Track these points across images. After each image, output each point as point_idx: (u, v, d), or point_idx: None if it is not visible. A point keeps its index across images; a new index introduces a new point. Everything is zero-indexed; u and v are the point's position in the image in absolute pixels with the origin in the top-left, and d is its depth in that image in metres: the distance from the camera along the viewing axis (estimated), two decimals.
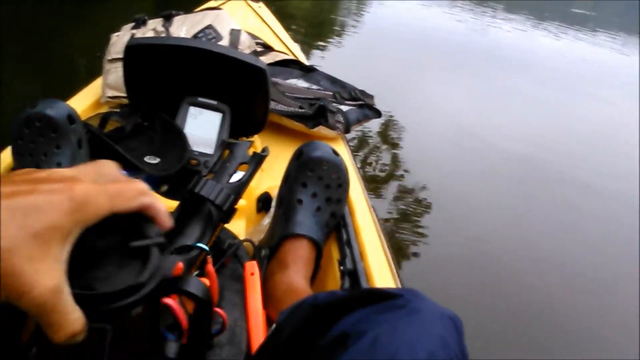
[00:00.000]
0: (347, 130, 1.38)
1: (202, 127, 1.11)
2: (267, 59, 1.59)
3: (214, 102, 1.12)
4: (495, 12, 12.03)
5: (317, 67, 1.62)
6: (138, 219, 0.47)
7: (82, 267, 0.44)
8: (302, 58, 1.89)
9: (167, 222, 0.46)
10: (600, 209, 2.99)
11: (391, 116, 3.39)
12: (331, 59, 4.49)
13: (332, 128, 1.34)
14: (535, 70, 6.46)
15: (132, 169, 1.04)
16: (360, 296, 0.57)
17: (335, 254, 0.96)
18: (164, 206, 0.44)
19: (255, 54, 1.50)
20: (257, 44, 1.64)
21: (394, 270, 0.93)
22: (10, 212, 0.33)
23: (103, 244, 0.46)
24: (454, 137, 3.48)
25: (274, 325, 0.64)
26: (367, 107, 1.48)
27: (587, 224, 2.81)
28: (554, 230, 2.63)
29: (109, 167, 0.45)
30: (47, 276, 0.33)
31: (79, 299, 0.40)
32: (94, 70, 1.78)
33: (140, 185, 0.43)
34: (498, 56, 6.96)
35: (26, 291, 0.33)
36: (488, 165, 3.20)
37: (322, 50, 4.78)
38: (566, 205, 2.93)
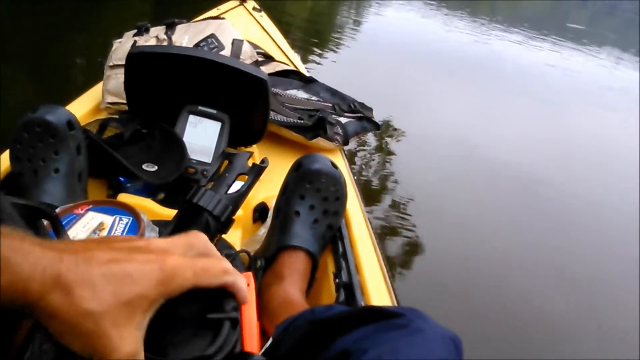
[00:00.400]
0: (345, 142, 1.38)
1: (201, 136, 1.11)
2: (267, 69, 1.60)
3: (214, 111, 1.12)
4: (495, 26, 12.13)
5: (316, 78, 1.63)
6: (219, 292, 0.51)
7: (160, 331, 0.48)
8: (302, 69, 1.90)
9: (245, 299, 0.48)
10: (599, 224, 3.01)
11: (389, 125, 3.40)
12: (329, 69, 4.50)
13: (331, 140, 1.34)
14: (533, 83, 6.51)
15: (130, 175, 1.04)
16: (362, 314, 0.58)
17: (330, 267, 0.97)
18: (244, 284, 0.46)
19: (257, 64, 1.50)
20: (258, 53, 1.65)
21: (389, 284, 0.93)
22: (107, 279, 0.35)
23: (183, 312, 0.50)
24: (451, 149, 3.50)
25: (270, 340, 0.64)
26: (366, 119, 1.49)
27: (586, 238, 2.83)
28: (552, 243, 2.65)
29: (199, 239, 0.46)
30: (129, 342, 0.36)
31: None
32: (91, 75, 1.79)
33: (225, 263, 0.45)
34: (496, 68, 7.02)
35: (108, 353, 0.35)
36: (485, 177, 3.22)
37: (318, 59, 4.79)
38: (564, 219, 2.95)
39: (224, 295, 0.53)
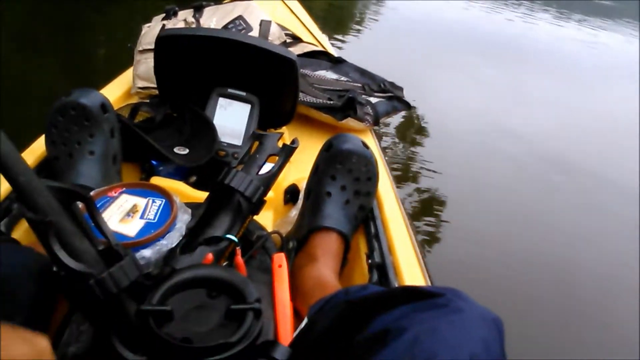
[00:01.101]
0: (376, 122, 1.37)
1: (231, 118, 1.11)
2: (296, 50, 1.58)
3: (243, 94, 1.12)
4: (523, 6, 11.85)
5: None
6: (243, 284, 0.58)
7: (189, 321, 0.55)
8: (330, 49, 1.88)
9: None
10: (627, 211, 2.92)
11: (417, 107, 3.36)
12: (352, 52, 4.46)
13: (361, 120, 1.33)
14: (560, 65, 6.35)
15: (162, 159, 1.05)
16: (399, 293, 0.57)
17: (363, 248, 0.96)
18: None
19: (285, 45, 1.50)
20: (286, 34, 1.64)
21: (423, 265, 0.91)
22: None
23: (211, 304, 0.57)
24: (480, 132, 3.45)
25: (305, 320, 0.64)
26: (396, 99, 1.47)
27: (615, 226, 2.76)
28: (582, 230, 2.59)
29: None
30: None
31: (178, 350, 0.51)
32: (116, 61, 1.80)
33: None
34: (525, 48, 6.87)
35: None
36: (507, 164, 3.16)
37: (340, 44, 4.75)
38: (591, 205, 2.88)
39: (246, 286, 0.58)
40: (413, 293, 0.54)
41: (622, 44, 9.64)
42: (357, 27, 5.86)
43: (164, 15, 1.45)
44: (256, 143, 0.85)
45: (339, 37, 4.90)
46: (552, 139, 3.69)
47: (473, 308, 0.51)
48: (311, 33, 1.98)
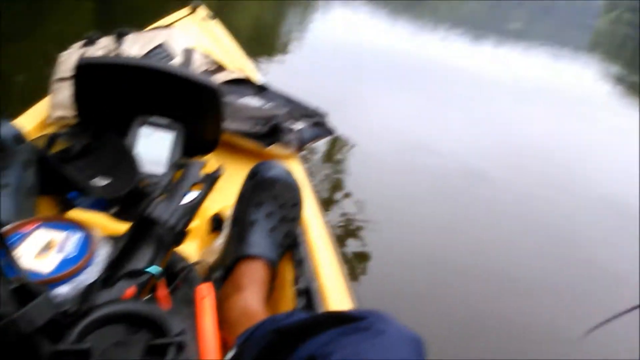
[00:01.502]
0: (301, 148, 1.38)
1: (154, 147, 1.09)
2: (220, 77, 1.59)
3: (166, 122, 1.11)
4: (437, 27, 12.48)
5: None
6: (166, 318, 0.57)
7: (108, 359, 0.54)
8: (255, 77, 1.90)
9: None
10: (543, 219, 3.13)
11: (341, 132, 3.43)
12: (275, 77, 4.53)
13: (287, 146, 1.34)
14: (478, 86, 6.70)
15: (81, 191, 1.02)
16: (324, 319, 0.58)
17: (289, 274, 0.96)
18: None
19: (209, 72, 1.50)
20: (211, 62, 1.63)
21: (349, 289, 0.93)
22: None
23: (131, 340, 0.56)
24: (401, 152, 3.58)
25: (233, 350, 0.64)
26: (320, 125, 1.49)
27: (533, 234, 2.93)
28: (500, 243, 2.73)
29: None
30: None
31: None
32: (33, 89, 1.74)
33: None
34: (438, 70, 7.22)
35: None
36: (431, 181, 3.31)
37: (266, 66, 4.80)
38: (510, 216, 3.05)
39: (167, 320, 0.57)
40: (337, 318, 0.55)
41: (537, 67, 10.29)
42: (282, 51, 5.93)
43: (83, 42, 1.42)
44: (179, 172, 0.84)
45: (263, 60, 4.94)
46: (471, 155, 3.89)
47: (395, 329, 0.53)
48: (236, 60, 1.99)
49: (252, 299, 0.83)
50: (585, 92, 8.88)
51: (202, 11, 2.40)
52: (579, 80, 10.33)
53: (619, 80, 11.45)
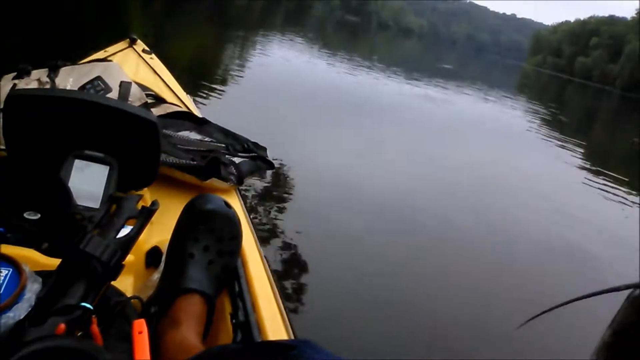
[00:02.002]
0: (240, 182, 1.39)
1: (88, 181, 1.07)
2: (158, 110, 1.58)
3: (101, 155, 1.09)
4: (374, 66, 12.93)
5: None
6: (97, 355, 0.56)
7: None
8: (194, 110, 1.90)
9: None
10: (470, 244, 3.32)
11: (280, 166, 3.49)
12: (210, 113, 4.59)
13: (225, 180, 1.34)
14: (413, 123, 6.99)
15: (10, 225, 0.98)
16: (256, 350, 0.58)
17: (227, 307, 0.96)
18: None
19: (146, 106, 1.49)
20: (148, 95, 1.63)
21: (287, 321, 0.93)
22: None
23: None
24: (338, 185, 3.69)
25: None
26: (260, 159, 1.51)
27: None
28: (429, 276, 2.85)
29: None
30: None
31: None
32: None
33: None
34: (375, 108, 7.49)
35: None
36: (366, 212, 3.40)
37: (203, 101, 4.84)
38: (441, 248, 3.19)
39: (101, 356, 0.56)
40: (268, 348, 0.56)
41: (469, 104, 10.83)
42: (219, 86, 5.97)
43: (15, 74, 1.39)
44: (114, 206, 0.83)
45: (201, 95, 4.96)
46: (405, 188, 4.04)
47: (323, 356, 0.54)
48: (175, 93, 1.99)
49: (188, 334, 0.82)
50: (513, 129, 9.47)
51: (140, 45, 2.39)
52: (506, 117, 10.98)
53: (544, 118, 12.27)
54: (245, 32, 13.28)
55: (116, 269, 0.76)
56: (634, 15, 78.94)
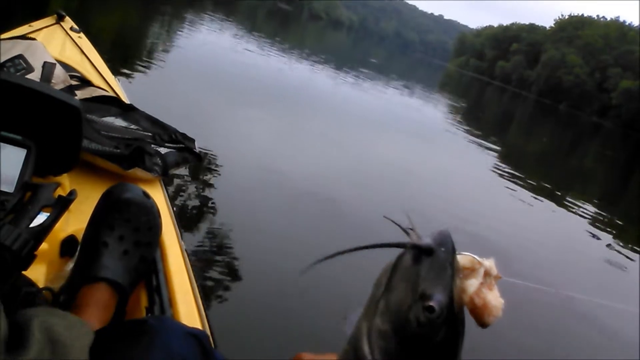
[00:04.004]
0: (164, 173, 1.37)
1: (4, 164, 1.03)
2: (83, 93, 1.53)
3: (19, 138, 1.05)
4: (304, 55, 13.13)
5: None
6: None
7: None
8: (122, 94, 1.85)
9: None
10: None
11: (207, 155, 3.47)
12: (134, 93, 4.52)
13: (149, 170, 1.32)
14: (337, 114, 7.17)
15: None
16: (120, 327, 0.61)
17: (144, 301, 0.95)
18: None
19: (71, 88, 1.44)
20: (74, 77, 1.57)
21: (204, 317, 0.93)
22: None
23: None
24: (263, 176, 3.73)
25: None
26: (187, 150, 1.49)
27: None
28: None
29: None
30: None
31: None
32: None
33: None
34: (303, 97, 7.62)
35: None
36: (289, 202, 3.46)
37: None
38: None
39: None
40: (128, 324, 0.61)
41: (393, 98, 11.27)
42: (147, 68, 5.85)
43: None
44: (30, 193, 0.80)
45: (127, 76, 4.85)
46: (327, 178, 4.15)
47: (170, 329, 0.60)
48: (102, 76, 1.93)
49: (88, 321, 0.81)
50: (434, 125, 9.94)
51: (68, 22, 2.30)
52: (426, 112, 11.55)
53: (465, 116, 12.97)
54: (171, 15, 13.07)
55: (27, 259, 0.74)
56: (552, 25, 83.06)
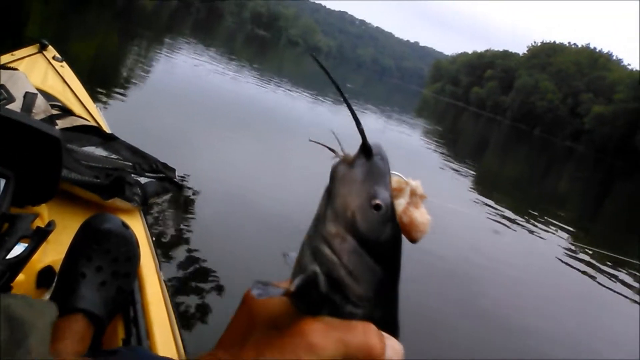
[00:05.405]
0: (144, 203, 1.37)
1: None
2: (64, 123, 1.54)
3: None
4: (283, 84, 13.37)
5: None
6: None
7: None
8: (103, 123, 1.85)
9: None
10: None
11: (186, 188, 3.49)
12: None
13: (129, 200, 1.32)
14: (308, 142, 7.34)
15: None
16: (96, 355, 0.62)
17: (120, 332, 0.95)
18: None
19: (52, 118, 1.45)
20: (55, 106, 1.58)
21: (180, 346, 0.93)
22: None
23: None
24: (237, 201, 3.74)
25: None
26: (167, 180, 1.50)
27: None
28: None
29: None
30: None
31: None
32: None
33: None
34: (279, 122, 7.74)
35: None
36: (266, 225, 3.48)
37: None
38: None
39: None
40: (96, 357, 0.62)
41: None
42: (125, 95, 5.87)
43: None
44: (7, 224, 0.81)
45: (107, 100, 4.86)
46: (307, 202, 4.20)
47: (146, 357, 0.60)
48: (84, 105, 1.94)
49: (63, 352, 0.80)
50: (412, 148, 10.15)
51: (51, 51, 2.31)
52: (406, 137, 11.81)
53: (441, 141, 13.29)
54: (150, 39, 13.20)
55: (3, 291, 0.74)
56: (525, 52, 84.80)
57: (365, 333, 0.35)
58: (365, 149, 0.38)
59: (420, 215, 0.39)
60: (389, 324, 0.38)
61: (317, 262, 0.36)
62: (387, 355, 0.36)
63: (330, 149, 0.39)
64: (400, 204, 0.39)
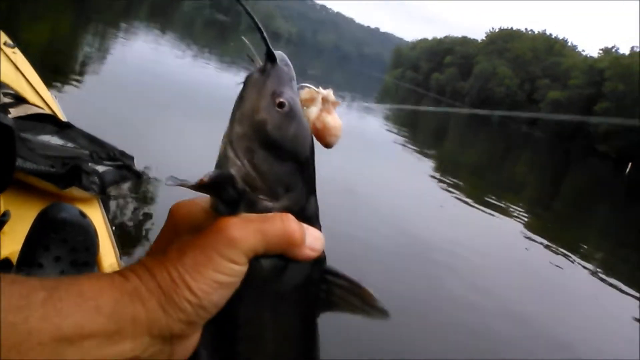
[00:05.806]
0: (102, 191, 1.36)
1: None
2: (18, 111, 1.51)
3: None
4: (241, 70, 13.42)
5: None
6: None
7: None
8: (59, 111, 1.82)
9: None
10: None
11: (146, 174, 3.43)
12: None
13: (86, 189, 1.31)
14: None
15: None
16: None
17: None
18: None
19: (4, 106, 1.41)
20: (7, 94, 1.55)
21: None
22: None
23: None
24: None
25: None
26: (126, 168, 1.48)
27: None
28: None
29: None
30: None
31: None
32: None
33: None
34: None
35: None
36: None
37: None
38: None
39: None
40: None
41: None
42: (81, 81, 5.73)
43: None
44: None
45: (62, 92, 4.73)
46: None
47: None
48: (38, 93, 1.89)
49: None
50: (373, 137, 10.28)
51: (2, 36, 2.24)
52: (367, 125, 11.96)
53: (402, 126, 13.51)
54: (106, 24, 12.90)
55: None
56: (484, 38, 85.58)
57: (283, 221, 0.37)
58: (269, 55, 0.40)
59: (333, 119, 0.42)
60: (309, 216, 0.40)
61: (229, 163, 0.38)
62: (307, 241, 0.38)
63: (250, 57, 0.41)
64: (313, 112, 0.42)
